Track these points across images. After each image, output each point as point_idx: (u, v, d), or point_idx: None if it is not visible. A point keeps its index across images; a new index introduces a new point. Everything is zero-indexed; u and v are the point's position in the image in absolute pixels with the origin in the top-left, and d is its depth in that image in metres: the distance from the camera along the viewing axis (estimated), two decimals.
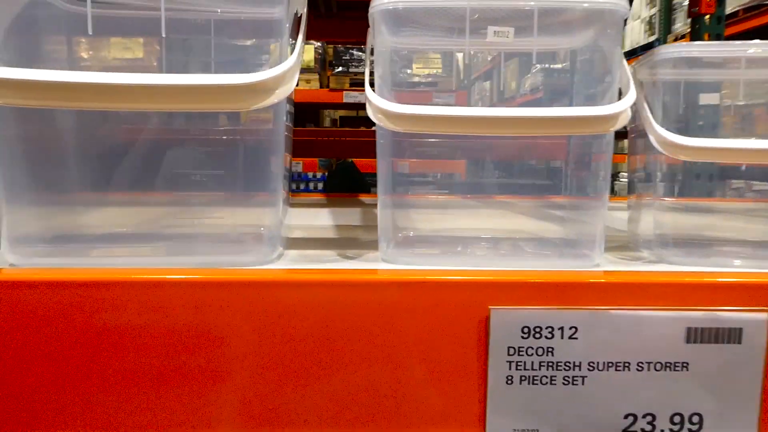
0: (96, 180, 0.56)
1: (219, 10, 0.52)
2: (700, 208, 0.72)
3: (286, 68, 0.46)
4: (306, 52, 4.20)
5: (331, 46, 4.09)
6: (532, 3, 0.47)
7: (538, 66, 0.61)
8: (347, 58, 4.40)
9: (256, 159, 0.53)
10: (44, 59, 0.54)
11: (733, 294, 0.45)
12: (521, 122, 0.47)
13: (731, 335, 0.44)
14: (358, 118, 4.68)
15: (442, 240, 0.59)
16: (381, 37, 0.52)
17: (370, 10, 0.50)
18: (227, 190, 0.55)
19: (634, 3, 4.01)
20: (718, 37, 1.71)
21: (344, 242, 0.62)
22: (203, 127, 0.56)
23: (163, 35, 0.47)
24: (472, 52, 0.53)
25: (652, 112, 0.53)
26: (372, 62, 0.52)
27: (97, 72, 0.44)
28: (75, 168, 0.56)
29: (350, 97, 3.92)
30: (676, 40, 3.60)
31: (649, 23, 4.59)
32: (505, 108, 0.46)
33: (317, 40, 4.00)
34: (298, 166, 4.50)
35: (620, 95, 0.51)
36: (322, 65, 4.32)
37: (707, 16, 1.69)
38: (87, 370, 0.43)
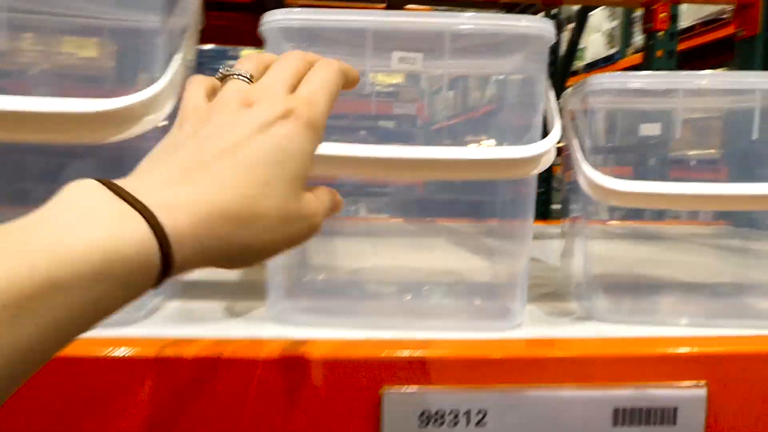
0: None
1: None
2: (644, 235, 0.66)
3: (155, 91, 0.39)
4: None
5: None
6: (446, 26, 0.41)
7: (465, 93, 0.55)
8: None
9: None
10: None
11: (667, 366, 0.38)
12: (427, 165, 0.40)
13: (665, 416, 0.38)
14: None
15: (337, 288, 0.52)
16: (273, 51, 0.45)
17: (263, 26, 0.42)
18: None
19: (594, 15, 4.03)
20: (671, 53, 1.69)
21: (242, 288, 0.54)
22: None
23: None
24: (375, 74, 0.46)
25: (581, 144, 0.47)
26: None
27: None
28: None
29: None
30: (635, 53, 3.61)
31: (610, 35, 4.62)
32: (407, 148, 0.39)
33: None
34: None
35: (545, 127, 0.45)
36: None
37: (661, 33, 1.66)
38: None
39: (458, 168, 0.40)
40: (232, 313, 0.46)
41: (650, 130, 0.54)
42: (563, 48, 2.35)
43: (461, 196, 0.55)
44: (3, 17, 0.41)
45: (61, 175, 0.48)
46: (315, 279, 0.53)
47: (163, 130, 0.42)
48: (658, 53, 1.72)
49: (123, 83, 0.48)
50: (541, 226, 1.05)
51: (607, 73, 0.45)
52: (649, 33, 1.72)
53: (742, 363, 0.39)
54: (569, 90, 0.51)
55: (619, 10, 3.80)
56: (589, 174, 0.43)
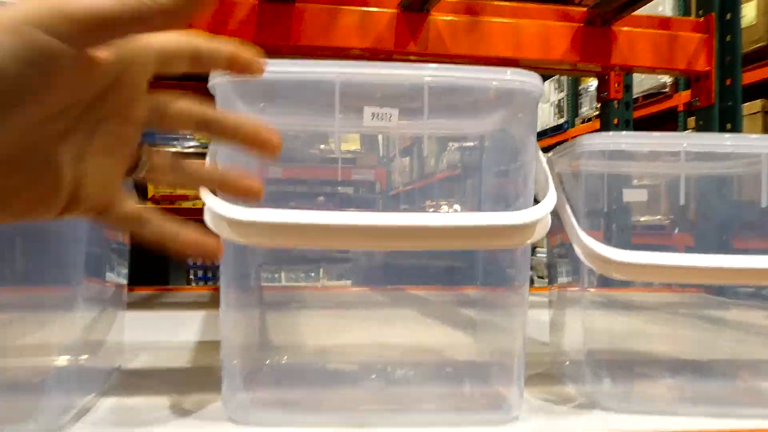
0: None
1: None
2: (633, 305, 0.62)
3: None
4: None
5: None
6: (424, 77, 0.36)
7: (444, 153, 0.51)
8: None
9: (41, 238, 0.37)
10: None
11: None
12: (407, 235, 0.35)
13: None
14: None
15: (303, 375, 0.45)
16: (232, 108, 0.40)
17: (211, 82, 0.37)
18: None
19: (543, 87, 4.17)
20: (627, 122, 1.71)
21: (193, 375, 0.47)
22: None
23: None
24: (342, 135, 0.41)
25: (573, 210, 0.42)
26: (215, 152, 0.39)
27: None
28: None
29: None
30: (583, 122, 3.72)
31: (558, 106, 4.78)
32: (385, 215, 0.34)
33: None
34: None
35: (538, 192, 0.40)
36: None
37: (616, 102, 1.69)
38: None
39: (447, 236, 0.35)
40: (181, 411, 0.39)
41: (634, 196, 0.51)
42: None
43: (433, 261, 0.50)
44: None
45: None
46: (278, 362, 0.47)
47: None
48: (614, 122, 1.74)
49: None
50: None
51: (599, 134, 0.41)
52: (604, 102, 1.75)
53: None
54: (555, 151, 0.47)
55: (566, 81, 3.95)
56: (588, 243, 0.39)
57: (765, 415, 0.40)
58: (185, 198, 4.16)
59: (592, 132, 0.48)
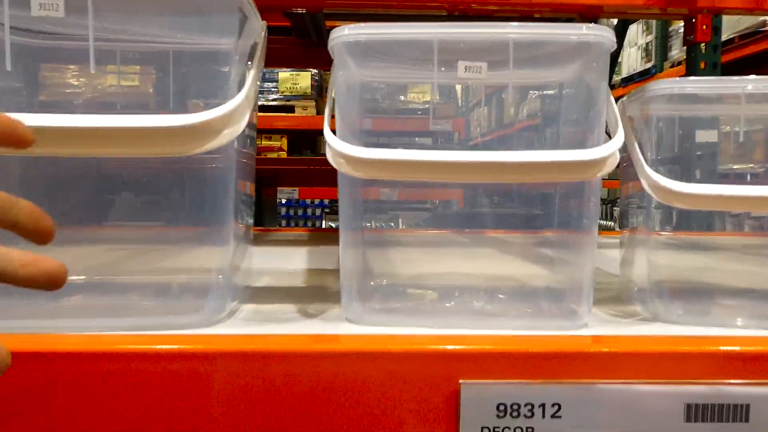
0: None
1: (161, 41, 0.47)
2: (699, 246, 0.66)
3: (232, 107, 0.41)
4: (302, 78, 4.19)
5: (328, 72, 4.07)
6: (509, 35, 0.43)
7: (525, 101, 0.57)
8: None
9: (202, 191, 0.47)
10: None
11: (741, 364, 0.39)
12: (495, 168, 0.42)
13: (737, 412, 0.39)
14: None
15: (413, 292, 0.53)
16: (347, 72, 0.47)
17: (331, 43, 0.45)
18: (170, 227, 0.50)
19: (630, 30, 4.01)
20: (714, 65, 1.67)
21: (310, 293, 0.57)
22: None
23: (92, 70, 0.42)
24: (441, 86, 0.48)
25: (642, 151, 0.48)
26: (334, 100, 0.47)
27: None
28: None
29: None
30: (672, 66, 3.59)
31: (646, 50, 4.58)
32: (476, 152, 0.41)
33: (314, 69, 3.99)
34: (294, 193, 4.47)
35: (608, 133, 0.46)
36: (319, 92, 4.31)
37: (703, 45, 1.65)
38: None
39: (528, 170, 0.41)
40: (307, 314, 0.48)
41: (706, 136, 0.55)
42: None
43: (522, 209, 0.56)
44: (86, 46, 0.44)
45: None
46: (380, 284, 0.55)
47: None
48: (701, 65, 1.70)
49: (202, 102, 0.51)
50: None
51: (666, 79, 0.46)
52: (691, 45, 1.71)
53: None
54: (626, 97, 0.52)
55: (655, 24, 3.77)
56: (653, 177, 0.44)
57: None
58: (271, 149, 4.30)
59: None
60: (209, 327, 0.43)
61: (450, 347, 0.38)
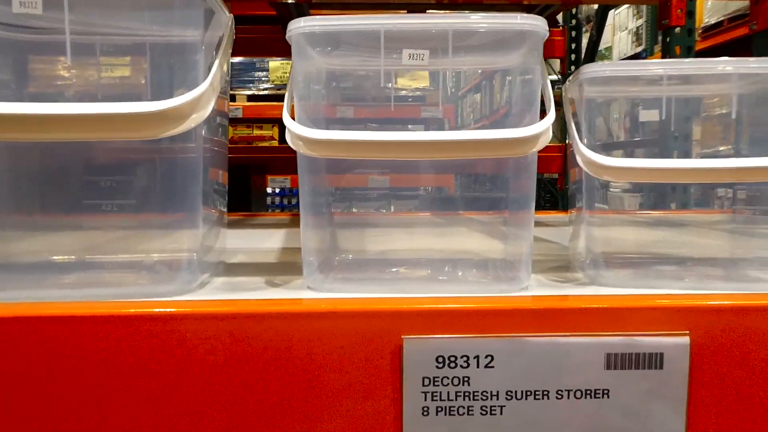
0: (19, 203, 0.55)
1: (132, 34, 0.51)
2: (633, 222, 0.71)
3: (198, 93, 0.46)
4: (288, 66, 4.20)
5: None
6: (448, 25, 0.47)
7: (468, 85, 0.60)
8: None
9: (173, 179, 0.51)
10: None
11: (654, 317, 0.44)
12: (438, 146, 0.46)
13: (652, 360, 0.43)
14: None
15: (372, 264, 0.58)
16: (304, 59, 0.51)
17: (289, 33, 0.49)
18: (145, 213, 0.54)
19: (621, 14, 4.04)
20: (689, 49, 1.72)
21: (278, 267, 0.61)
22: (114, 147, 0.54)
23: (69, 62, 0.46)
24: (389, 72, 0.52)
25: (579, 131, 0.52)
26: (292, 88, 0.51)
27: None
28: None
29: (341, 112, 3.92)
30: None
31: (636, 34, 4.61)
32: (422, 132, 0.46)
33: None
34: (286, 182, 4.50)
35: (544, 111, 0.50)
36: None
37: (678, 29, 1.69)
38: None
39: (468, 147, 0.46)
40: (272, 284, 0.52)
41: (648, 116, 0.59)
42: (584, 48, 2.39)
43: (477, 193, 0.60)
44: (56, 39, 0.48)
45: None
46: (345, 258, 0.59)
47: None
48: (676, 50, 1.75)
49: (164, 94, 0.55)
50: (552, 216, 1.11)
51: (597, 63, 0.50)
52: (666, 29, 1.75)
53: (723, 315, 0.44)
54: (568, 80, 0.56)
55: (645, 8, 3.80)
56: (585, 153, 0.49)
57: (740, 288, 0.49)
58: (261, 138, 4.32)
59: None
60: (181, 295, 0.47)
61: (394, 307, 0.43)
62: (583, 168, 0.50)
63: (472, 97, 0.55)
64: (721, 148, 0.57)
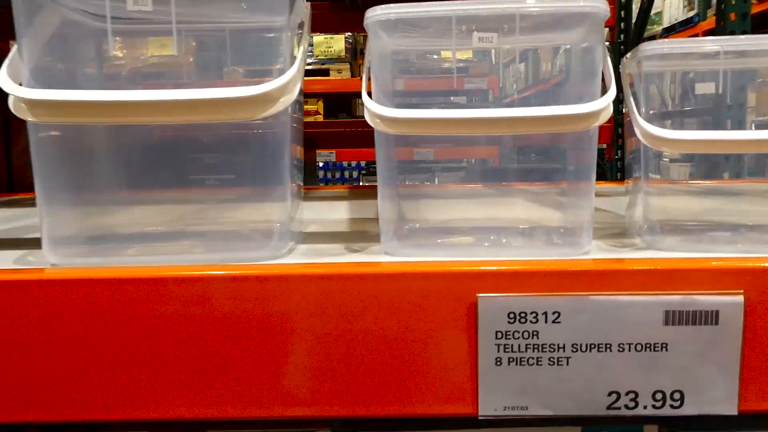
0: (123, 179, 0.61)
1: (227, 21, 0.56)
2: (689, 191, 0.74)
3: (287, 79, 0.51)
4: (336, 42, 4.24)
5: (362, 35, 4.12)
6: (515, 9, 0.50)
7: (535, 63, 0.64)
8: None
9: (265, 156, 0.57)
10: (78, 74, 0.59)
11: (710, 278, 0.47)
12: (508, 122, 0.50)
13: (708, 317, 0.47)
14: None
15: (439, 231, 0.62)
16: (380, 43, 0.56)
17: (366, 21, 0.53)
18: (240, 187, 0.60)
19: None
20: (744, 15, 1.69)
21: (353, 236, 0.66)
22: (212, 127, 0.60)
23: (175, 53, 0.51)
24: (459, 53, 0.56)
25: (637, 104, 0.55)
26: (369, 69, 0.55)
27: (118, 91, 0.49)
28: (104, 168, 0.61)
29: None
30: (716, 14, 3.53)
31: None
32: (492, 110, 0.50)
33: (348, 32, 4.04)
34: (332, 156, 4.57)
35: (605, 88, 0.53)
36: (353, 54, 4.36)
37: None
38: (124, 358, 0.49)
39: (536, 123, 0.50)
40: (352, 250, 0.57)
41: (704, 89, 0.62)
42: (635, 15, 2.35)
43: (536, 165, 0.64)
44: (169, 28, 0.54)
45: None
46: (413, 226, 0.64)
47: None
48: (732, 16, 1.72)
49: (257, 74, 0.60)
50: (615, 187, 1.13)
51: (656, 41, 0.53)
52: None
53: None
54: (626, 56, 0.59)
55: None
56: (644, 125, 0.52)
57: None
58: (307, 113, 4.38)
59: None
60: (275, 260, 0.53)
61: (469, 268, 0.48)
62: (642, 140, 0.53)
63: (537, 73, 0.59)
64: None
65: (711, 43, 0.52)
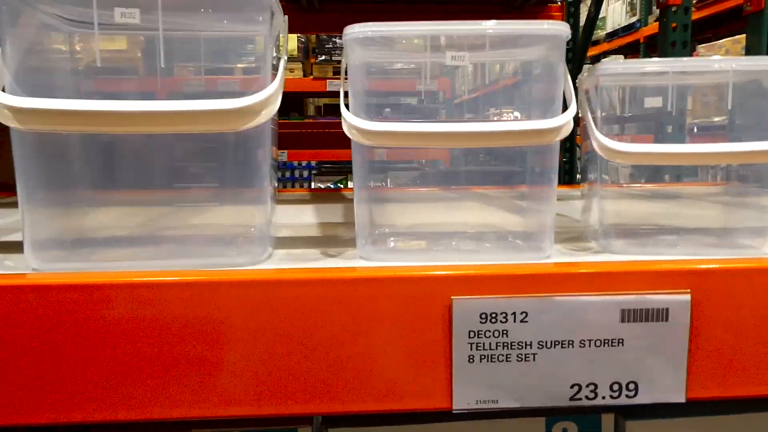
0: (104, 181, 0.62)
1: (206, 31, 0.58)
2: (639, 195, 0.79)
3: (270, 92, 0.53)
4: (289, 40, 4.23)
5: (314, 35, 4.12)
6: (486, 30, 0.54)
7: (501, 78, 0.68)
8: (330, 46, 4.44)
9: (244, 159, 0.59)
10: (57, 82, 0.60)
11: (660, 279, 0.52)
12: (477, 136, 0.54)
13: (659, 314, 0.52)
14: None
15: (412, 236, 0.66)
16: (355, 56, 0.58)
17: (344, 37, 0.56)
18: (220, 189, 0.62)
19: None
20: (685, 27, 1.79)
21: (326, 240, 0.69)
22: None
23: (162, 65, 0.53)
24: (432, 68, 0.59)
25: (594, 118, 0.60)
26: (347, 81, 0.58)
27: (102, 101, 0.51)
28: (85, 170, 0.62)
29: (334, 85, 3.97)
30: (656, 20, 3.69)
31: (631, 4, 4.65)
32: (461, 124, 0.53)
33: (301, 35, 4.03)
34: (283, 155, 4.55)
35: (565, 105, 0.58)
36: (305, 54, 4.35)
37: (674, 8, 1.76)
38: (99, 362, 0.50)
39: (501, 137, 0.53)
40: (328, 255, 0.60)
41: (653, 103, 0.67)
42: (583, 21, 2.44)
43: (496, 167, 0.68)
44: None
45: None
46: (383, 231, 0.67)
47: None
48: (672, 26, 1.82)
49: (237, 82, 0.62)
50: (567, 190, 1.19)
51: (613, 61, 0.58)
52: (663, 8, 1.81)
53: (719, 275, 0.53)
54: (584, 73, 0.64)
55: None
56: (600, 138, 0.57)
57: (731, 254, 0.58)
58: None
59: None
60: (255, 265, 0.55)
61: (445, 273, 0.51)
62: (598, 152, 0.57)
63: (502, 89, 0.63)
64: (715, 134, 0.65)
65: (657, 65, 0.57)
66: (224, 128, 0.53)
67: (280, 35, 0.63)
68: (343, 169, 4.53)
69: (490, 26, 0.54)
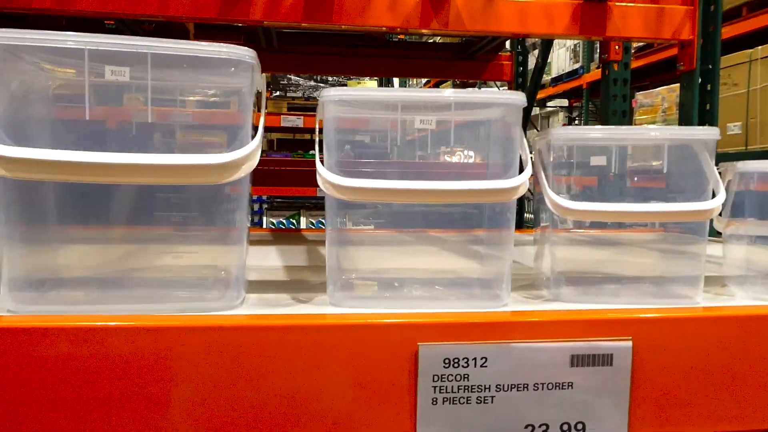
0: (77, 221, 0.64)
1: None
2: (595, 241, 0.85)
3: (251, 149, 0.57)
4: None
5: (271, 74, 4.17)
6: (450, 98, 0.60)
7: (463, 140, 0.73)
8: (284, 82, 4.49)
9: (226, 206, 0.62)
10: (43, 130, 0.61)
11: (606, 327, 0.57)
12: (440, 194, 0.59)
13: (605, 359, 0.57)
14: (294, 141, 4.78)
15: (380, 283, 0.70)
16: (332, 118, 0.63)
17: (321, 99, 0.60)
18: (194, 231, 0.64)
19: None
20: (624, 81, 1.91)
21: (296, 285, 0.72)
22: None
23: (150, 120, 0.56)
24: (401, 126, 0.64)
25: (547, 178, 0.66)
26: (321, 141, 0.62)
27: (90, 152, 0.53)
28: (57, 211, 0.63)
29: (287, 120, 4.01)
30: (598, 67, 3.89)
31: (574, 51, 4.89)
32: (426, 182, 0.58)
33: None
34: None
35: (522, 164, 0.63)
36: None
37: (615, 63, 1.88)
38: (70, 403, 0.52)
39: (464, 195, 0.58)
40: (300, 300, 0.63)
41: (598, 161, 0.74)
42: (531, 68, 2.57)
43: (454, 209, 0.73)
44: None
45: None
46: (351, 277, 0.71)
47: None
48: (614, 81, 1.94)
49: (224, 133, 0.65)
50: (517, 234, 1.25)
51: (564, 128, 0.64)
52: (605, 63, 1.94)
53: (657, 324, 0.58)
54: (537, 136, 0.70)
55: None
56: (552, 197, 0.62)
57: (669, 303, 0.64)
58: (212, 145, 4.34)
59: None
60: (231, 310, 0.58)
61: (412, 320, 0.55)
62: (551, 210, 0.63)
63: (463, 149, 0.68)
64: (653, 196, 0.72)
65: (601, 132, 0.64)
66: (206, 182, 0.57)
67: (261, 93, 0.67)
68: (295, 204, 4.54)
69: (456, 95, 0.59)
